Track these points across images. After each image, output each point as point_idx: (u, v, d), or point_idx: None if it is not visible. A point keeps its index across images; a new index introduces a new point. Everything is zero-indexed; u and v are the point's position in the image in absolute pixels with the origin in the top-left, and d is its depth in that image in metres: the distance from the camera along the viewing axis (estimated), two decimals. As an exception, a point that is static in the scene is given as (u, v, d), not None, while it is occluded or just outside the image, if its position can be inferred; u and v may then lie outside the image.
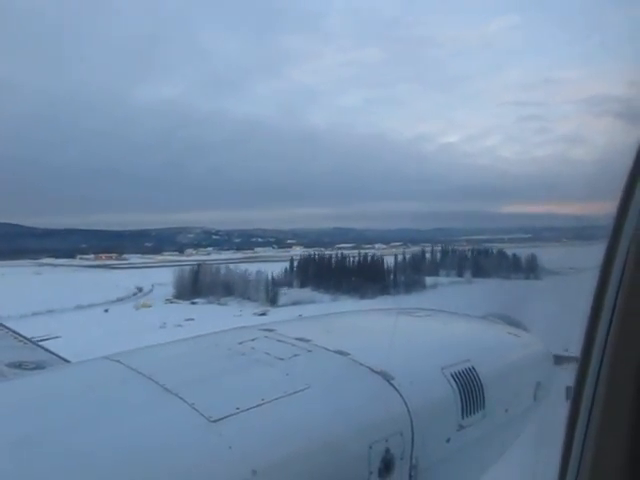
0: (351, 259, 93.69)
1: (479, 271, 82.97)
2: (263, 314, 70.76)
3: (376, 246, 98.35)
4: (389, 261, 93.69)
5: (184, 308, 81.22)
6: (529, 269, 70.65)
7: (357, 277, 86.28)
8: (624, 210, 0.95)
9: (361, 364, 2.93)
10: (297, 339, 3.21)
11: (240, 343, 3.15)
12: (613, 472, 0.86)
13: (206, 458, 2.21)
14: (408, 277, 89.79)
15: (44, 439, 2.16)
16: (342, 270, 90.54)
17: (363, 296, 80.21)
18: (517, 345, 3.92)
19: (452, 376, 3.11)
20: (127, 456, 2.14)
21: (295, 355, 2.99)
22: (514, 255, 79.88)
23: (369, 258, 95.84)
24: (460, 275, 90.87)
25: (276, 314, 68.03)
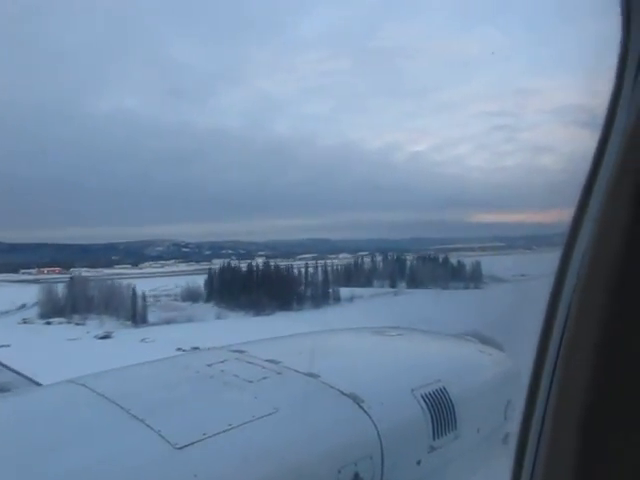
0: (271, 271, 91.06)
1: (416, 281, 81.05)
2: (106, 337, 62.43)
3: (340, 256, 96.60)
4: (315, 273, 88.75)
5: (33, 329, 67.62)
6: (473, 278, 71.61)
7: (265, 291, 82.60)
8: (580, 216, 0.96)
9: (331, 386, 2.91)
10: (267, 361, 3.17)
11: (209, 365, 3.10)
12: (566, 473, 0.90)
13: None
14: (324, 290, 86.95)
15: (6, 463, 2.11)
16: (252, 283, 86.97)
17: (259, 312, 75.09)
18: (488, 364, 3.96)
19: (423, 397, 3.11)
20: None
21: (264, 377, 2.95)
22: (460, 263, 78.98)
23: (291, 270, 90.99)
24: (393, 286, 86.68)
25: (122, 336, 60.77)
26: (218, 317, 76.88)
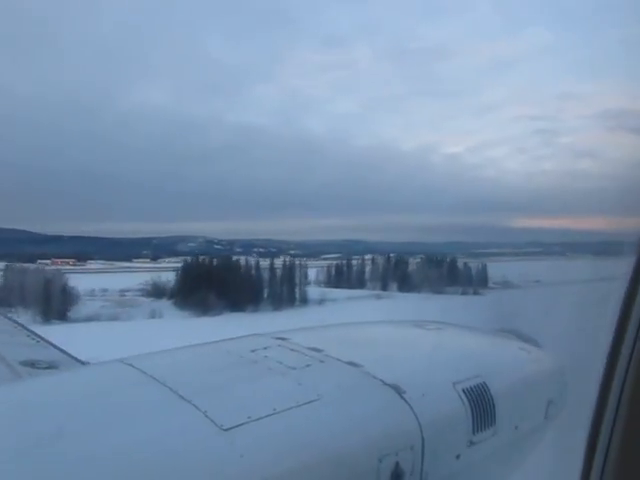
0: (239, 269, 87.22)
1: (410, 285, 78.41)
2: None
3: (366, 257, 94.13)
4: (293, 272, 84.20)
5: None
6: (476, 282, 70.05)
7: (223, 289, 76.11)
8: None
9: (373, 376, 2.92)
10: (310, 349, 3.19)
11: (253, 351, 3.13)
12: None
13: (217, 466, 2.21)
14: (291, 290, 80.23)
15: (57, 441, 2.15)
16: (214, 280, 77.55)
17: (206, 312, 70.35)
18: (529, 361, 3.94)
19: (464, 391, 3.11)
20: (138, 462, 2.14)
21: (307, 365, 2.97)
22: (467, 267, 77.29)
23: (265, 268, 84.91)
24: (384, 289, 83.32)
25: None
26: (152, 316, 72.50)
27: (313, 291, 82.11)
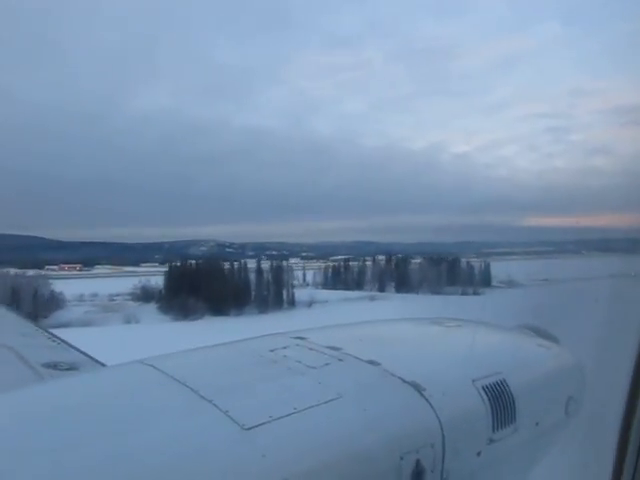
0: (226, 271, 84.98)
1: (409, 285, 76.73)
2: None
3: (366, 258, 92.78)
4: (284, 273, 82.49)
5: None
6: (479, 282, 68.49)
7: (207, 292, 73.77)
8: None
9: (392, 374, 2.91)
10: (328, 347, 3.19)
11: (272, 350, 3.13)
12: None
13: (239, 466, 2.22)
14: (278, 292, 78.35)
15: (77, 443, 2.15)
16: (199, 283, 75.81)
17: (186, 316, 68.00)
18: (548, 358, 3.93)
19: (483, 388, 3.10)
20: (161, 462, 2.14)
21: (327, 364, 2.97)
22: (471, 266, 74.99)
23: (252, 270, 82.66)
24: (381, 290, 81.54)
25: None
26: (127, 321, 70.23)
27: (304, 293, 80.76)
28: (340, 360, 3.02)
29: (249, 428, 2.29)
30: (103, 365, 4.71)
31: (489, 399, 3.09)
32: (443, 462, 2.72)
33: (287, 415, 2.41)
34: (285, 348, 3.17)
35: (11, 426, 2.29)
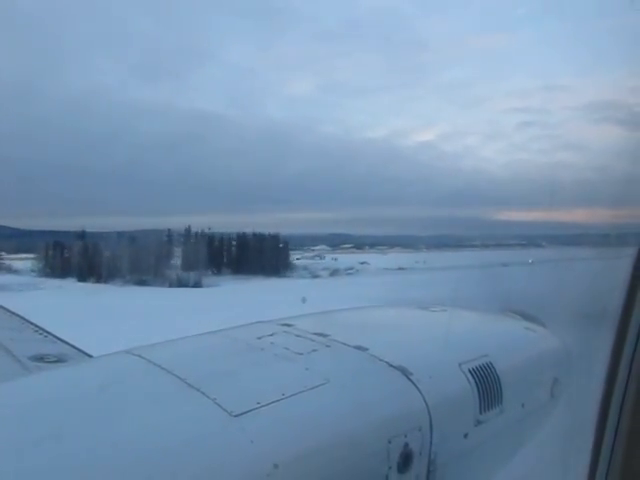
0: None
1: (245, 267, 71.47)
2: None
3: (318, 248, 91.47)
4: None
5: None
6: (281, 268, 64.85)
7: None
8: None
9: (379, 359, 2.93)
10: (315, 334, 3.20)
11: (259, 338, 3.14)
12: None
13: (229, 452, 2.23)
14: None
15: (67, 433, 2.16)
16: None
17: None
18: (534, 341, 3.98)
19: (470, 371, 3.14)
20: (150, 450, 2.14)
21: (314, 350, 2.98)
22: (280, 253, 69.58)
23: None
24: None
25: None
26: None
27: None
28: (327, 346, 3.04)
29: (237, 415, 2.30)
30: (90, 356, 4.68)
31: (476, 382, 3.13)
32: (431, 445, 2.75)
33: (275, 401, 2.42)
34: (272, 335, 3.18)
35: None
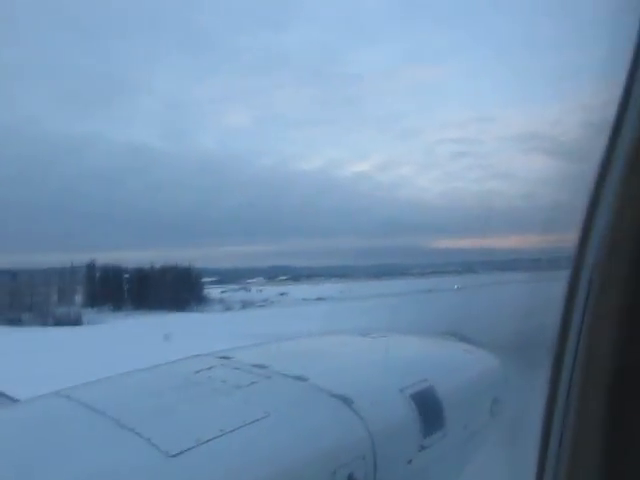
0: None
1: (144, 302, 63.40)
2: None
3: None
4: None
5: None
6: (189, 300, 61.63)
7: None
8: (585, 241, 0.99)
9: (320, 389, 2.91)
10: (254, 365, 3.16)
11: (196, 372, 3.07)
12: (590, 472, 0.91)
13: None
14: None
15: None
16: None
17: None
18: (473, 362, 4.05)
19: (411, 396, 3.15)
20: None
21: (253, 382, 2.93)
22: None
23: None
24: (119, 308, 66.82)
25: None
26: None
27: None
28: (267, 378, 2.99)
29: (174, 455, 2.20)
30: (15, 401, 4.41)
31: (417, 407, 3.13)
32: (375, 473, 2.72)
33: (214, 438, 2.34)
34: (210, 369, 3.11)
35: None
